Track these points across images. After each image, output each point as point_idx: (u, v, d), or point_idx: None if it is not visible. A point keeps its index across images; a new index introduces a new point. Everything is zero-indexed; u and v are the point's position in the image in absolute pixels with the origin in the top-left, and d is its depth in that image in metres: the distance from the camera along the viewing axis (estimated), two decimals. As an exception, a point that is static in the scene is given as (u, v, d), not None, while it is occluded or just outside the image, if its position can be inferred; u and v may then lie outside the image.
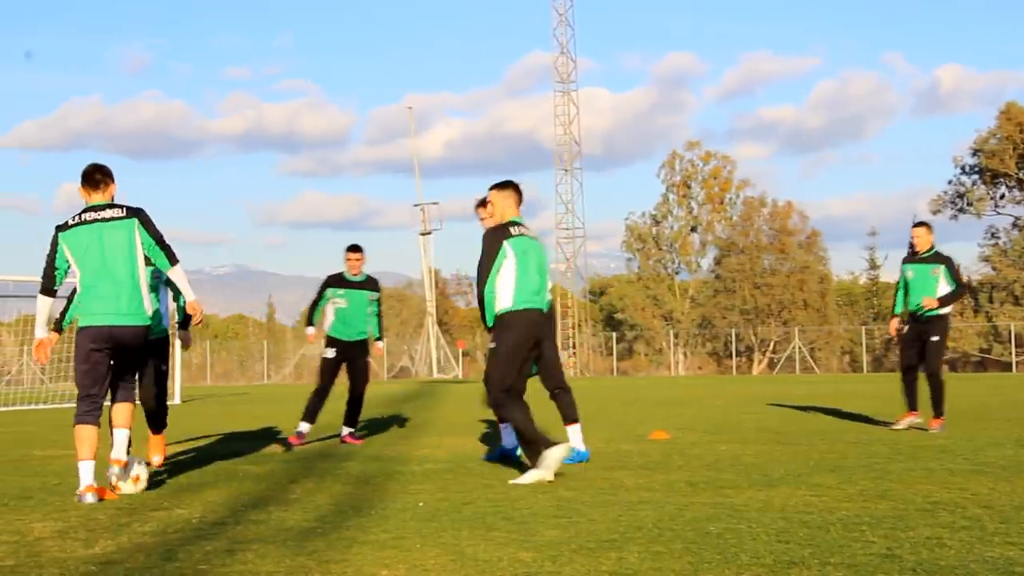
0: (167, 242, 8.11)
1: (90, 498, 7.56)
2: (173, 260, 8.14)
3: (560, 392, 9.87)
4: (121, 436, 8.23)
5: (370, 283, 12.93)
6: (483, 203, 10.05)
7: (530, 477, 8.25)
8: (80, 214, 7.94)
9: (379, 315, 13.09)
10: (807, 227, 67.90)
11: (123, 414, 8.31)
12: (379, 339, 13.25)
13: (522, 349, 8.53)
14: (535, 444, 8.26)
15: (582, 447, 9.89)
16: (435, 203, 64.83)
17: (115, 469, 8.09)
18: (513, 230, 8.64)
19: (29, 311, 34.70)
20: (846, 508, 6.62)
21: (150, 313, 8.02)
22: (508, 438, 10.34)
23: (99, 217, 7.89)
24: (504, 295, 8.47)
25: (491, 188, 8.93)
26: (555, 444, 8.25)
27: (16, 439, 14.73)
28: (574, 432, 9.89)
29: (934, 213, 62.74)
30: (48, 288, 7.92)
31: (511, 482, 8.22)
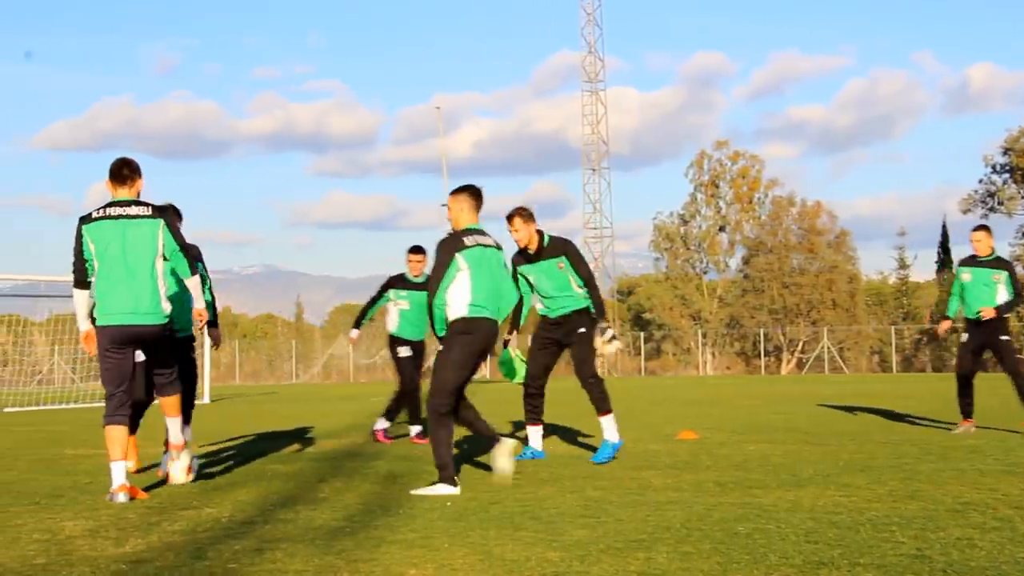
0: (189, 248, 8.14)
1: (122, 497, 7.60)
2: (194, 269, 8.14)
3: (593, 382, 9.81)
4: (173, 423, 8.45)
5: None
6: (510, 217, 10.01)
7: (435, 490, 7.93)
8: (104, 208, 7.91)
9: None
10: (836, 227, 67.59)
11: (168, 405, 8.41)
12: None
13: (472, 357, 8.35)
14: (443, 469, 8.04)
15: (616, 437, 9.81)
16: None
17: (172, 453, 8.39)
18: (468, 240, 8.39)
19: (60, 311, 34.97)
20: (875, 508, 6.59)
21: (168, 312, 7.99)
22: (536, 440, 10.34)
23: (124, 213, 7.86)
24: (456, 306, 8.29)
25: (450, 194, 8.74)
26: (454, 480, 7.99)
27: (47, 438, 14.83)
28: (607, 422, 9.81)
29: (964, 212, 62.34)
30: (81, 281, 7.92)
31: (412, 492, 7.92)
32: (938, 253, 64.26)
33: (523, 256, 10.10)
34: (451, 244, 8.36)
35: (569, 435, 12.78)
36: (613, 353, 9.65)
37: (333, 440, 13.07)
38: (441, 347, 8.42)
